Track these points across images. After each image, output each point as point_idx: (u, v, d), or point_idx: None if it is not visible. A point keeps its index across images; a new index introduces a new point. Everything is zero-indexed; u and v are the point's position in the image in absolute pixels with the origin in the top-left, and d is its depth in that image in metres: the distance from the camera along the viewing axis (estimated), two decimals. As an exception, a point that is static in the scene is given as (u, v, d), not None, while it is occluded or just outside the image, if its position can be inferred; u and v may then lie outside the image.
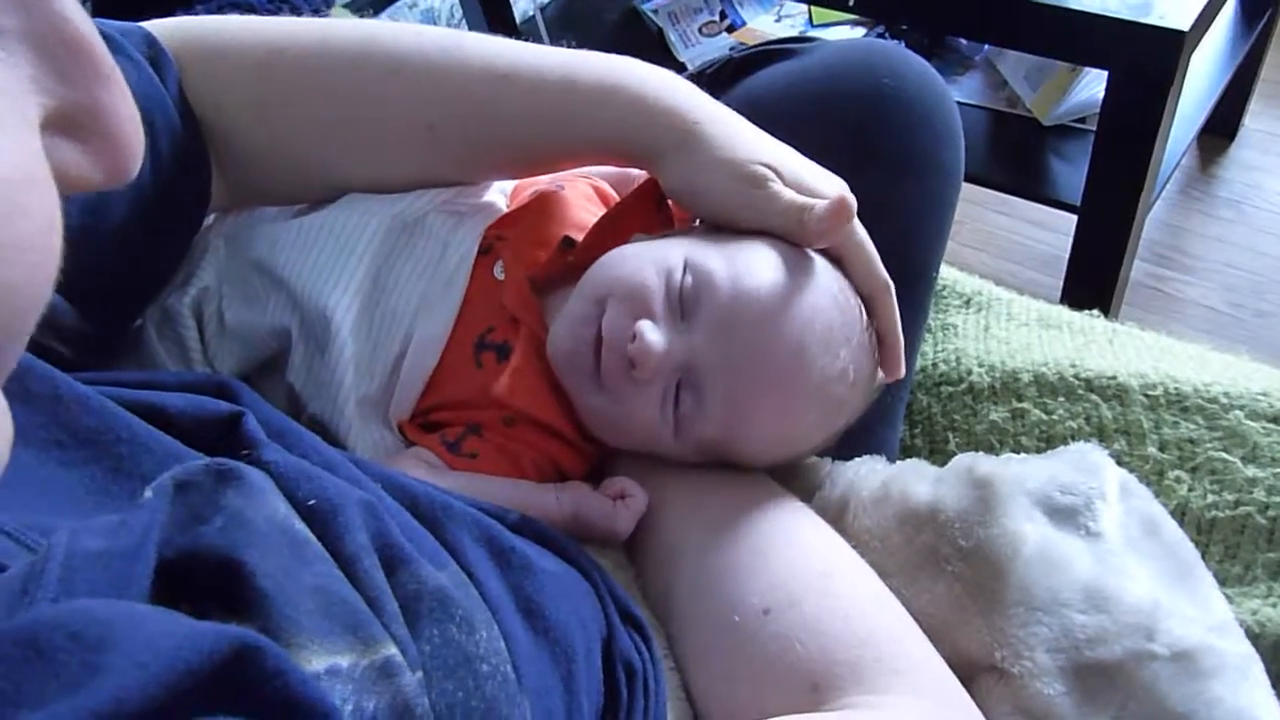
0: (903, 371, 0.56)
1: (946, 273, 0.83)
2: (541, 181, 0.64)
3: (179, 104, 0.51)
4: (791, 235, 0.52)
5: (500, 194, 0.64)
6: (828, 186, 0.53)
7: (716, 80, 0.71)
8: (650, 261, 0.53)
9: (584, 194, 0.65)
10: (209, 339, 0.56)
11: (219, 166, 0.55)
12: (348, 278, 0.55)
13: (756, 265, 0.52)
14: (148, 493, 0.27)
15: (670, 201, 0.62)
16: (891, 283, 0.55)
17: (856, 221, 0.53)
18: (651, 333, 0.50)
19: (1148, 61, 1.08)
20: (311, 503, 0.33)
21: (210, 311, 0.56)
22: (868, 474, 0.56)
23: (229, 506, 0.28)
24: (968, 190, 0.73)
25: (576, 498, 0.53)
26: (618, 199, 0.65)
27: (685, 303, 0.52)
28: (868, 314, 0.55)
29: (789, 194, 0.52)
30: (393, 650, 0.29)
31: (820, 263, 0.53)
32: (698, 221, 0.64)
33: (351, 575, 0.31)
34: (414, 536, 0.37)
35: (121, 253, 0.48)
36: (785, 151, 0.54)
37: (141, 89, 0.49)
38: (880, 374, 0.57)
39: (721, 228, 0.57)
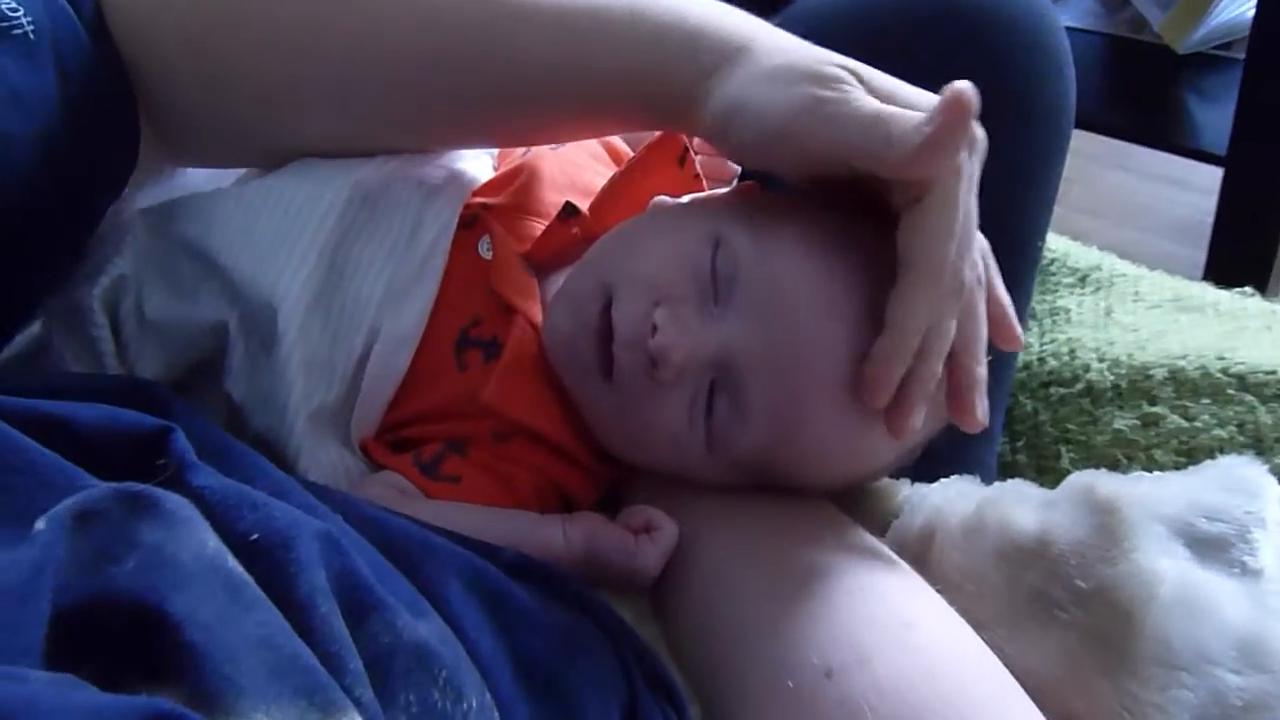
0: (982, 418, 0.52)
1: (1055, 243, 0.83)
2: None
3: (95, 32, 0.51)
4: (875, 155, 0.47)
5: (485, 153, 0.65)
6: (926, 102, 0.48)
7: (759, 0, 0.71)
8: (672, 232, 0.53)
9: (589, 151, 0.65)
10: (126, 340, 0.56)
11: (146, 115, 0.56)
12: (298, 260, 0.56)
13: (808, 232, 0.52)
14: (40, 524, 0.27)
15: (697, 156, 0.61)
16: (992, 260, 0.52)
17: (964, 159, 0.48)
18: (675, 322, 0.50)
19: (1310, -30, 1.06)
20: (255, 537, 0.33)
21: (128, 306, 0.57)
22: (957, 498, 0.56)
23: (144, 541, 0.28)
24: (1080, 140, 0.73)
25: (588, 531, 0.53)
26: (631, 155, 0.65)
27: (718, 283, 0.51)
28: None
29: (873, 100, 0.48)
30: (357, 718, 0.29)
31: (880, 229, 0.53)
32: (735, 181, 0.64)
33: (304, 625, 0.31)
34: (386, 578, 0.37)
35: (27, 218, 0.48)
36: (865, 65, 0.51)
37: (45, 12, 0.49)
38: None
39: (763, 190, 0.57)
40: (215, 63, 0.55)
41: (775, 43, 0.53)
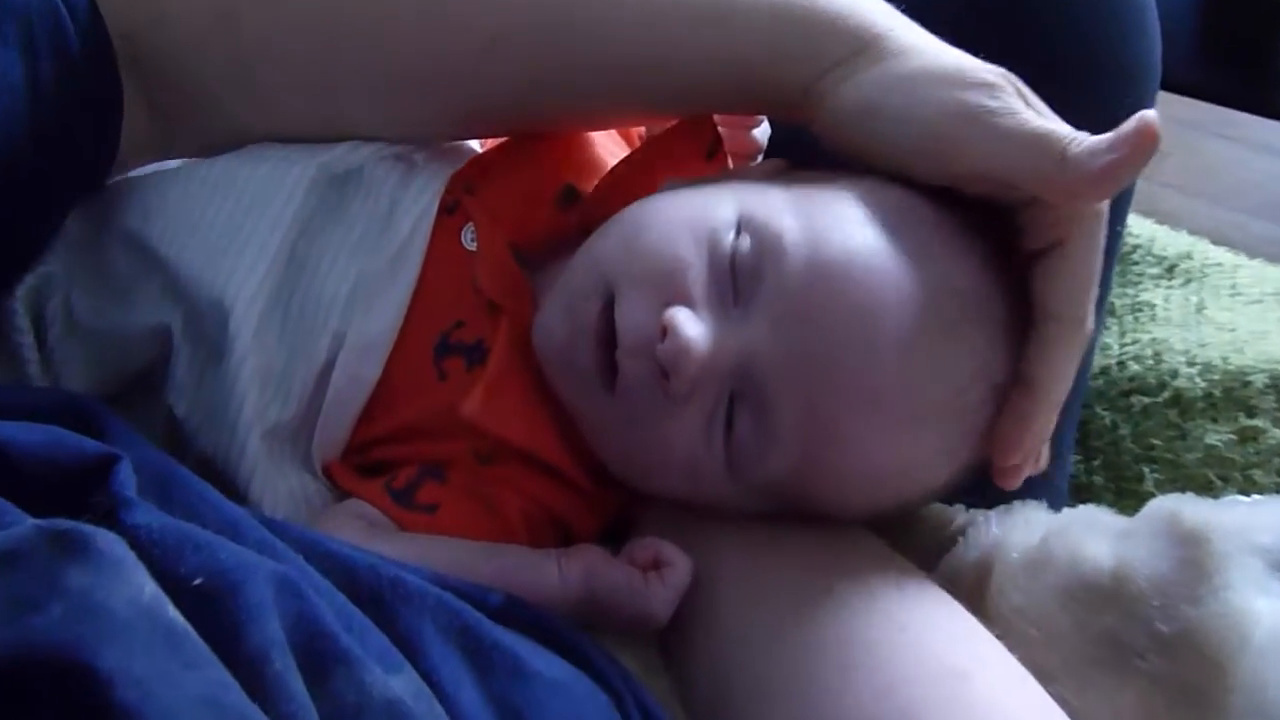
0: (1044, 465, 0.56)
1: (1138, 226, 0.83)
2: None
3: (85, 14, 0.52)
4: (1042, 177, 0.50)
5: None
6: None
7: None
8: (685, 219, 0.53)
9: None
10: (52, 346, 0.57)
11: (148, 106, 0.57)
12: (253, 254, 0.56)
13: (847, 219, 0.52)
14: (-46, 568, 0.27)
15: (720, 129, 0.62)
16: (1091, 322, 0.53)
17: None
18: (690, 325, 0.50)
19: None
20: (198, 581, 0.33)
21: (54, 307, 0.57)
22: (1020, 527, 0.56)
23: (72, 587, 0.28)
24: (1172, 106, 0.73)
25: (588, 568, 0.53)
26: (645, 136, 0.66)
27: (740, 278, 0.52)
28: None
29: (1038, 116, 0.51)
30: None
31: (946, 216, 0.53)
32: (759, 158, 0.64)
33: (255, 682, 0.31)
34: (353, 626, 0.38)
35: None
36: None
37: None
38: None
39: (795, 169, 0.57)
40: (240, 44, 0.56)
41: (913, 39, 0.54)
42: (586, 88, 0.58)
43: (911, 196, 0.53)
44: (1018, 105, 0.51)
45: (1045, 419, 0.53)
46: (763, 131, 0.69)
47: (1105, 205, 0.52)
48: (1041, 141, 0.49)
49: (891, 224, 0.52)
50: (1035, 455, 0.54)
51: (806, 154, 0.58)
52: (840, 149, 0.56)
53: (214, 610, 0.33)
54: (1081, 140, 0.49)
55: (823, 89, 0.55)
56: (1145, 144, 0.47)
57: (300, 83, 0.58)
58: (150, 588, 0.31)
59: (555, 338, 0.55)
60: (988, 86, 0.51)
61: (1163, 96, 0.71)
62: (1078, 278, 0.52)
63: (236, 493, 0.55)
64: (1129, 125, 0.48)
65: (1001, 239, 0.54)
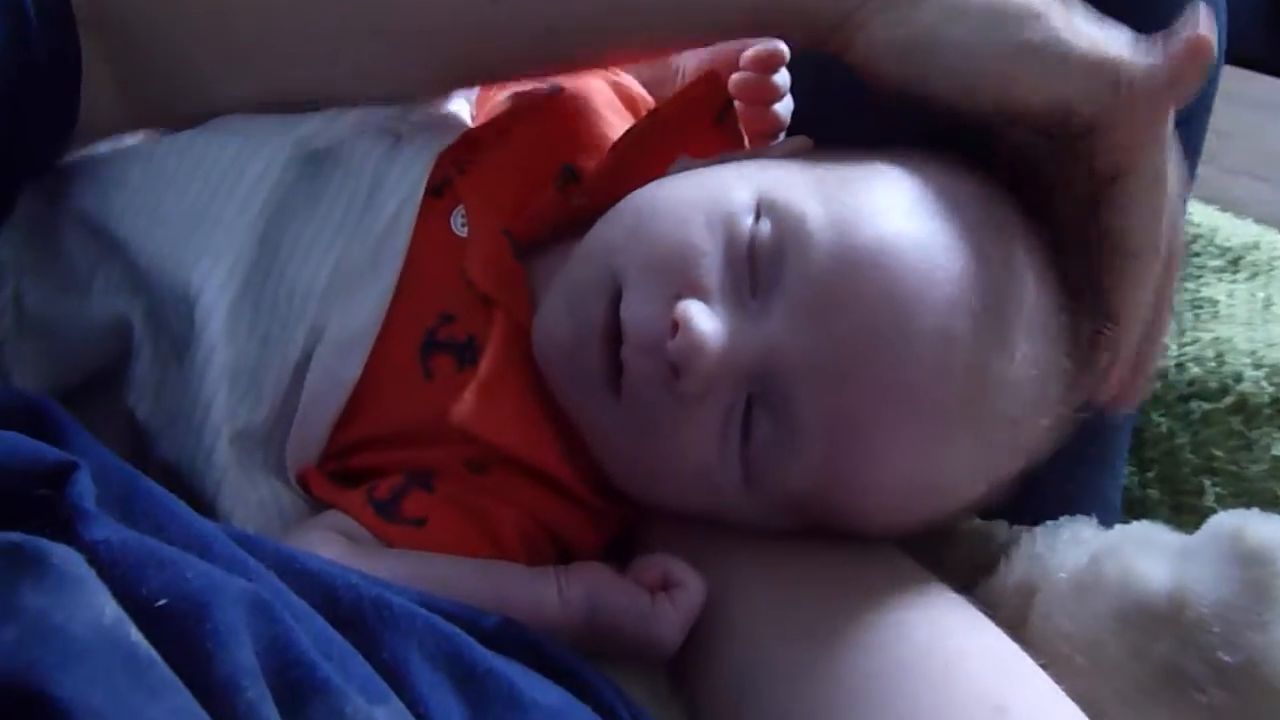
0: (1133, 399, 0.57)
1: (1200, 215, 0.83)
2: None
3: None
4: (1098, 103, 0.52)
5: (462, 100, 0.65)
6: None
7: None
8: (700, 202, 0.53)
9: (601, 98, 0.65)
10: (1, 341, 0.57)
11: (112, 73, 0.57)
12: (222, 239, 0.56)
13: (878, 201, 0.52)
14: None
15: (742, 103, 0.62)
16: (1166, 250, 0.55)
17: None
18: (704, 319, 0.50)
19: None
20: (162, 602, 0.33)
21: (3, 298, 0.57)
22: (1067, 545, 0.56)
23: (26, 607, 0.28)
24: (1238, 82, 0.72)
25: (591, 588, 0.53)
26: (653, 104, 0.66)
27: (759, 267, 0.52)
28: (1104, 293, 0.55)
29: (1087, 40, 0.53)
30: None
31: (988, 196, 0.53)
32: (781, 137, 0.64)
33: (224, 712, 0.31)
34: (333, 652, 0.38)
35: None
36: None
37: None
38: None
39: (821, 148, 0.57)
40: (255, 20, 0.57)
41: None
42: (603, 24, 0.59)
43: (953, 176, 0.54)
44: (1066, 32, 0.53)
45: (1135, 352, 0.56)
46: (785, 106, 0.68)
47: (1168, 132, 0.53)
48: (1096, 68, 0.52)
49: (929, 206, 0.52)
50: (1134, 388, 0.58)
51: (833, 130, 0.58)
52: (877, 81, 0.57)
53: (180, 634, 0.33)
54: (1137, 63, 0.51)
55: (860, 19, 0.55)
56: (1200, 56, 0.50)
57: (289, 40, 0.58)
58: (111, 609, 0.31)
59: (557, 336, 0.55)
60: (1034, 15, 0.53)
61: (1227, 71, 0.71)
62: (1146, 205, 0.54)
63: (203, 503, 0.55)
64: (1179, 43, 0.50)
65: (1052, 229, 0.54)
